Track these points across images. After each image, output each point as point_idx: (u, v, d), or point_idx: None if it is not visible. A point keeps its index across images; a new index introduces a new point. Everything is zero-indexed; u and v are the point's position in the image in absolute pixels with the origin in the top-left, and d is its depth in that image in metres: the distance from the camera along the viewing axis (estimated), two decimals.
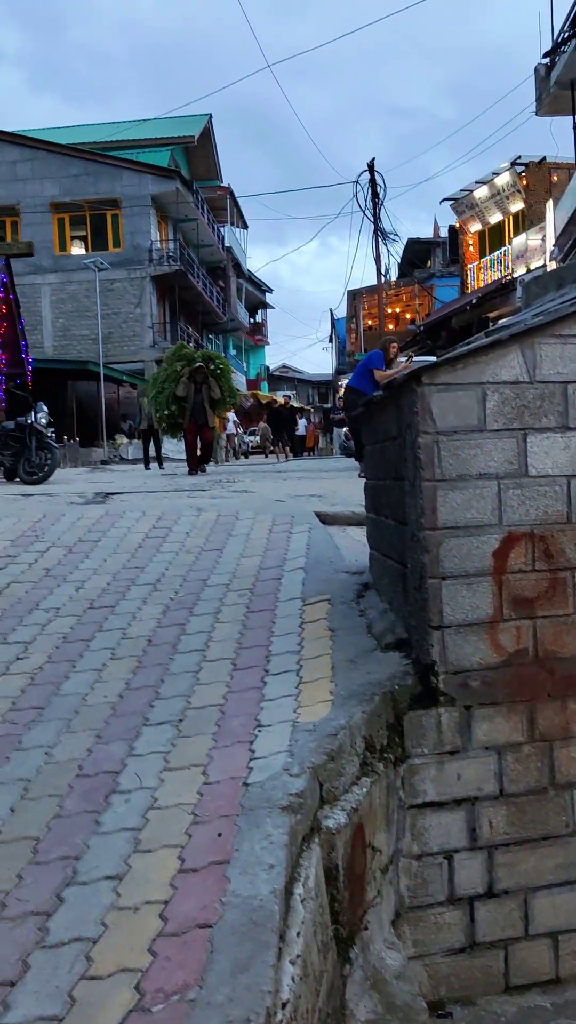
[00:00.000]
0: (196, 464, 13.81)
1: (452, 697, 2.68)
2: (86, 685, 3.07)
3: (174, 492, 8.50)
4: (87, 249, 31.58)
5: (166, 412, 14.96)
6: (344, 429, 24.62)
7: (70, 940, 1.65)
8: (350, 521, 5.82)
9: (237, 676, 3.01)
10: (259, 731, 2.50)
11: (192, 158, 38.58)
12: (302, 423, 34.07)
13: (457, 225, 31.55)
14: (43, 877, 1.88)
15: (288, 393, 49.24)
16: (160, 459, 19.40)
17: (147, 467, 18.59)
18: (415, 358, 15.69)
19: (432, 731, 2.68)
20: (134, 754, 2.47)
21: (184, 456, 14.66)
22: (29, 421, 11.81)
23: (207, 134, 38.26)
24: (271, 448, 30.28)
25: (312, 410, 49.36)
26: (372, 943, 2.34)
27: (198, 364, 14.14)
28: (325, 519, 5.73)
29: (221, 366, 15.13)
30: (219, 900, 1.70)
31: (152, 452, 19.17)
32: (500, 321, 22.15)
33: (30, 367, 20.70)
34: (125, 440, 28.15)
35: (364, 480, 4.11)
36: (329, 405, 54.41)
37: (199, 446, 13.81)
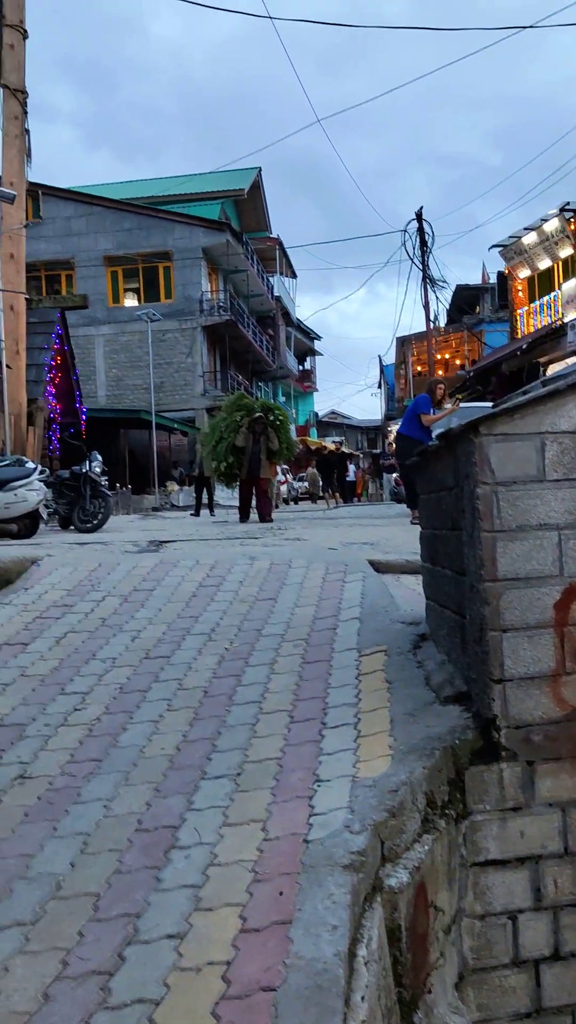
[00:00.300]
0: (248, 512, 13.83)
1: (514, 752, 2.63)
2: (143, 737, 3.07)
3: (226, 540, 8.53)
4: (140, 301, 32.27)
5: (224, 464, 14.51)
6: (394, 475, 24.64)
7: (132, 1001, 1.63)
8: (404, 569, 5.77)
9: (294, 729, 2.98)
10: (318, 786, 2.47)
11: (242, 210, 39.37)
12: (352, 469, 34.19)
13: (506, 271, 31.58)
14: (104, 935, 1.86)
15: (338, 439, 49.50)
16: (212, 506, 19.51)
17: (196, 514, 18.68)
18: (462, 404, 15.63)
19: (494, 787, 2.62)
20: (193, 808, 2.46)
21: (237, 504, 14.55)
22: (84, 470, 12.03)
23: (257, 187, 39.05)
24: (320, 494, 30.36)
25: (361, 456, 49.55)
26: (436, 1007, 2.28)
27: (257, 415, 14.01)
28: (379, 567, 5.70)
29: (281, 417, 14.70)
30: (282, 962, 1.67)
31: (205, 499, 19.29)
32: (553, 367, 22.04)
33: (84, 416, 21.14)
34: (176, 487, 28.46)
35: (417, 527, 4.09)
36: (378, 451, 54.52)
37: (254, 497, 13.79)
